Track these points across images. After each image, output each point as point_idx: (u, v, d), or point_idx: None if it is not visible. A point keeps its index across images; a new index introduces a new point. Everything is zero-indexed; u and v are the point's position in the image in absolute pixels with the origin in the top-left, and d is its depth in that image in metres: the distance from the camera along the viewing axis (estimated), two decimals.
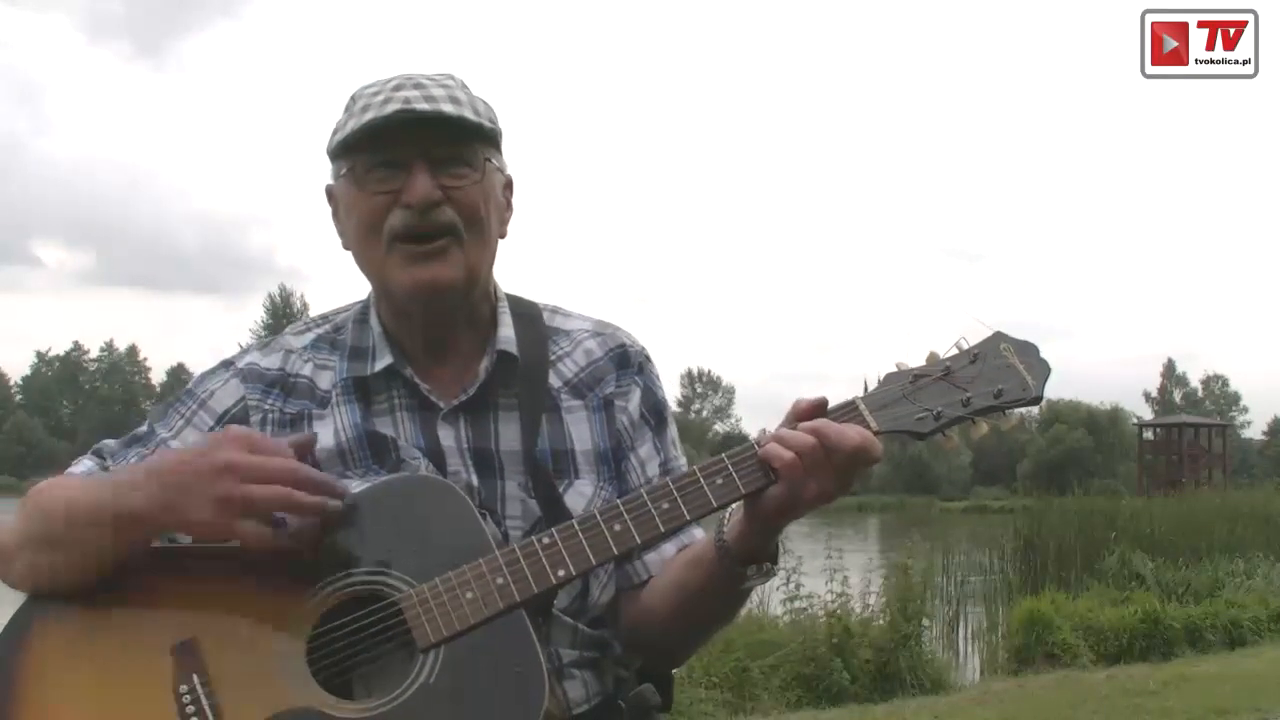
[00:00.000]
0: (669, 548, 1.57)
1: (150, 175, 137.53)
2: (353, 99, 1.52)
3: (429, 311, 1.52)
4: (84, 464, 1.54)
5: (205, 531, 1.35)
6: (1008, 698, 7.81)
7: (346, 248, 1.56)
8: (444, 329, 1.54)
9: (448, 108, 1.46)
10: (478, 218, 1.50)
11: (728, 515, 1.43)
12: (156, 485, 1.35)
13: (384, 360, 1.53)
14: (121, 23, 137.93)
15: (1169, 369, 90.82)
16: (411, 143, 1.46)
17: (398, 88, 1.48)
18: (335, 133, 1.52)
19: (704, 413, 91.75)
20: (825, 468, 1.34)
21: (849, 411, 1.40)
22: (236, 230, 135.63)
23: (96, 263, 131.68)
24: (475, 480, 1.49)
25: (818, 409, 1.39)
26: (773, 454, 1.35)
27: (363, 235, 1.50)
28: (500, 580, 1.34)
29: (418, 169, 1.46)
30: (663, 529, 1.37)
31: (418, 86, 1.48)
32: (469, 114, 1.48)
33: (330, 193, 1.58)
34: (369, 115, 1.46)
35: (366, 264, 1.53)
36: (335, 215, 1.57)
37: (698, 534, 1.57)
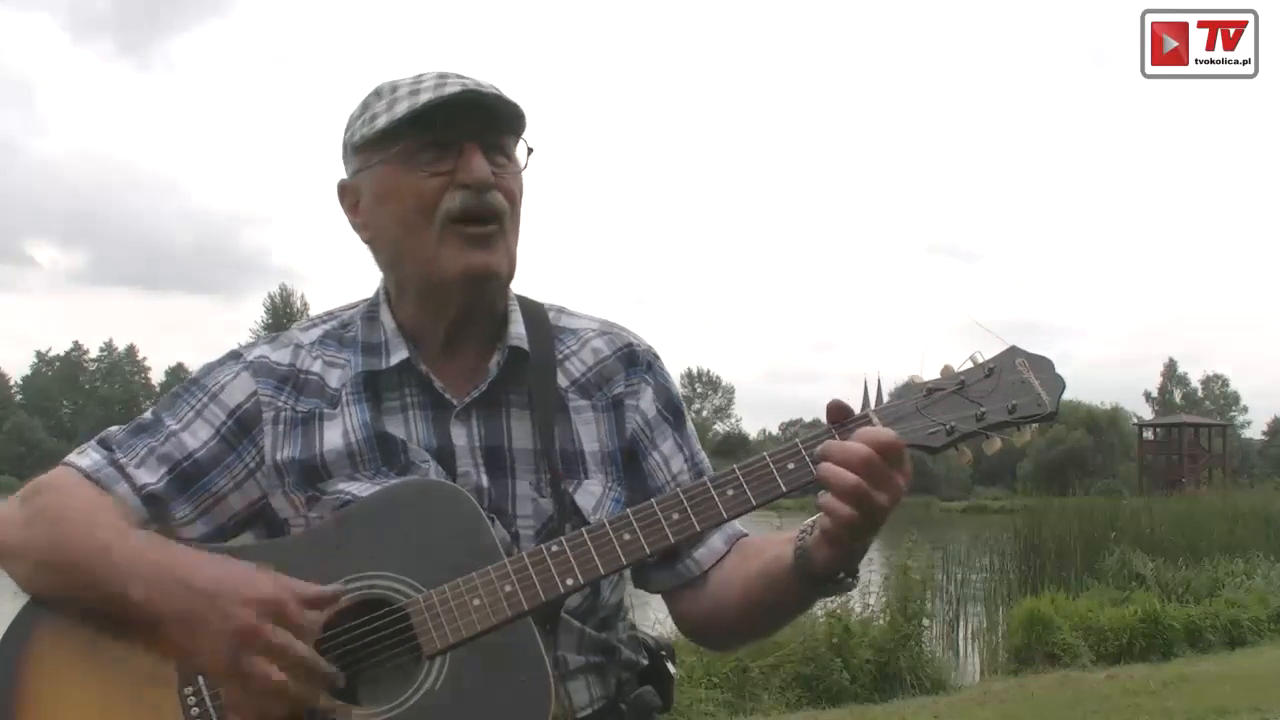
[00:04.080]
0: (717, 542, 1.57)
1: (142, 174, 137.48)
2: (378, 93, 1.51)
3: (471, 299, 1.51)
4: (91, 456, 1.51)
5: (191, 668, 1.34)
6: (1008, 698, 7.80)
7: (369, 240, 1.55)
8: (466, 322, 1.53)
9: (503, 95, 1.48)
10: (516, 208, 1.52)
11: (810, 527, 1.39)
12: (178, 603, 1.33)
13: (399, 355, 1.52)
14: (107, 22, 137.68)
15: (1169, 369, 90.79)
16: (463, 125, 1.46)
17: (442, 75, 1.48)
18: (375, 118, 1.49)
19: (704, 413, 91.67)
20: (886, 474, 1.31)
21: (862, 424, 1.38)
22: (229, 230, 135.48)
23: (90, 262, 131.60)
24: (485, 481, 1.49)
25: (841, 412, 1.38)
26: (834, 477, 1.31)
27: (413, 218, 1.48)
28: (508, 588, 1.34)
29: (471, 150, 1.46)
30: (672, 539, 1.37)
31: (461, 77, 1.48)
32: (518, 104, 1.49)
33: (346, 188, 1.55)
34: (425, 97, 1.45)
35: (410, 248, 1.50)
36: (354, 209, 1.55)
37: (738, 525, 1.56)
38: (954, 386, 1.39)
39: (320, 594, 1.35)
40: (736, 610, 1.53)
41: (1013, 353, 1.41)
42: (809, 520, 1.41)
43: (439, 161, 1.46)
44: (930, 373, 1.41)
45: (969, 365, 1.41)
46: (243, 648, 1.30)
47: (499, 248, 1.49)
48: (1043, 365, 1.40)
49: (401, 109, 1.45)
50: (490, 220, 1.47)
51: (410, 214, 1.48)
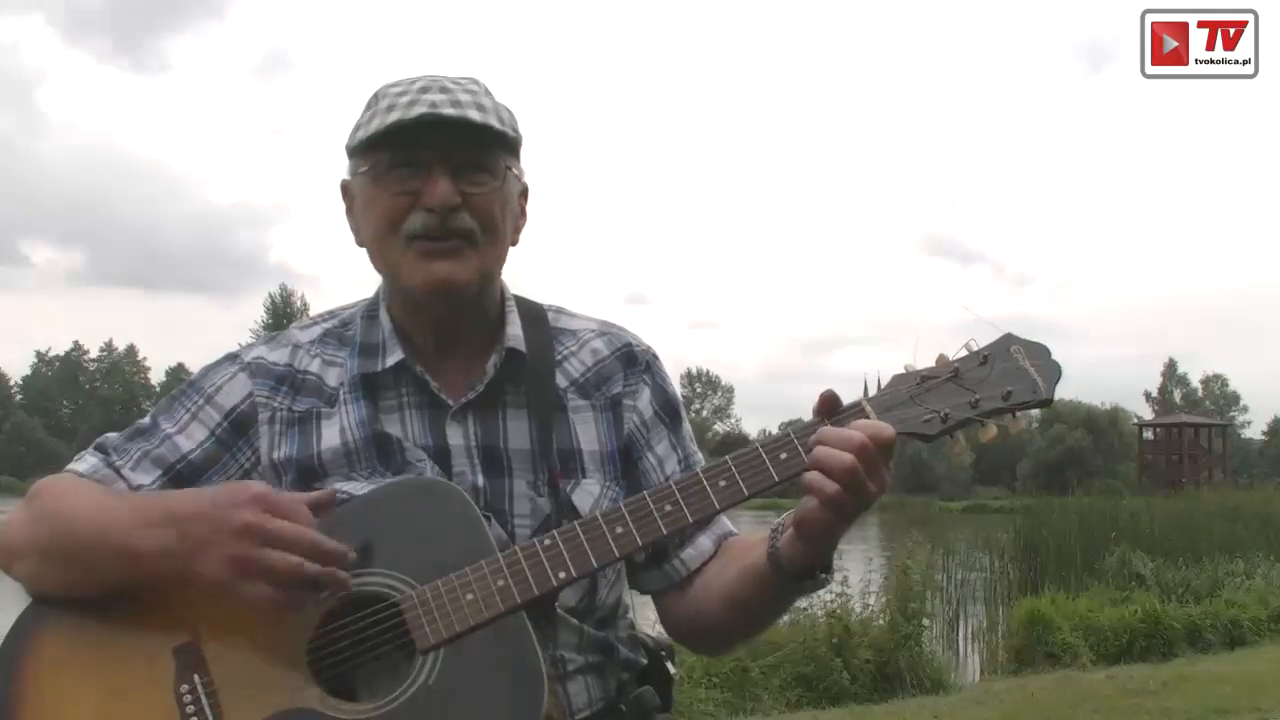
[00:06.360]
0: (705, 542, 1.58)
1: (139, 174, 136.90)
2: (376, 97, 1.51)
3: (440, 309, 1.51)
4: (88, 460, 1.53)
5: (211, 587, 1.33)
6: (1008, 698, 7.79)
7: (360, 244, 1.56)
8: (454, 326, 1.54)
9: (473, 114, 1.46)
10: (493, 225, 1.50)
11: (782, 526, 1.40)
12: (173, 532, 1.35)
13: (394, 356, 1.53)
14: (102, 22, 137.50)
15: (1169, 369, 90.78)
16: (434, 145, 1.46)
17: (424, 89, 1.47)
18: (357, 129, 1.51)
19: (704, 413, 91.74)
20: (878, 463, 1.31)
21: (855, 413, 1.37)
22: (229, 230, 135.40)
23: (88, 262, 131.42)
24: (481, 480, 1.49)
25: (833, 403, 1.37)
26: (828, 457, 1.30)
27: (381, 232, 1.50)
28: (501, 582, 1.33)
29: (439, 172, 1.46)
30: (665, 531, 1.36)
31: (444, 90, 1.47)
32: (493, 121, 1.48)
33: (346, 188, 1.57)
34: (394, 116, 1.45)
35: (382, 260, 1.53)
36: (350, 211, 1.57)
37: (728, 524, 1.57)
38: (948, 374, 1.38)
39: (314, 496, 1.37)
40: (717, 611, 1.53)
41: (1008, 339, 1.40)
42: (780, 518, 1.41)
43: (409, 180, 1.47)
44: (925, 361, 1.40)
45: (963, 353, 1.39)
46: (249, 546, 1.30)
47: (464, 260, 1.48)
48: (1038, 352, 1.39)
49: (374, 125, 1.46)
50: (452, 239, 1.47)
51: (381, 228, 1.49)
